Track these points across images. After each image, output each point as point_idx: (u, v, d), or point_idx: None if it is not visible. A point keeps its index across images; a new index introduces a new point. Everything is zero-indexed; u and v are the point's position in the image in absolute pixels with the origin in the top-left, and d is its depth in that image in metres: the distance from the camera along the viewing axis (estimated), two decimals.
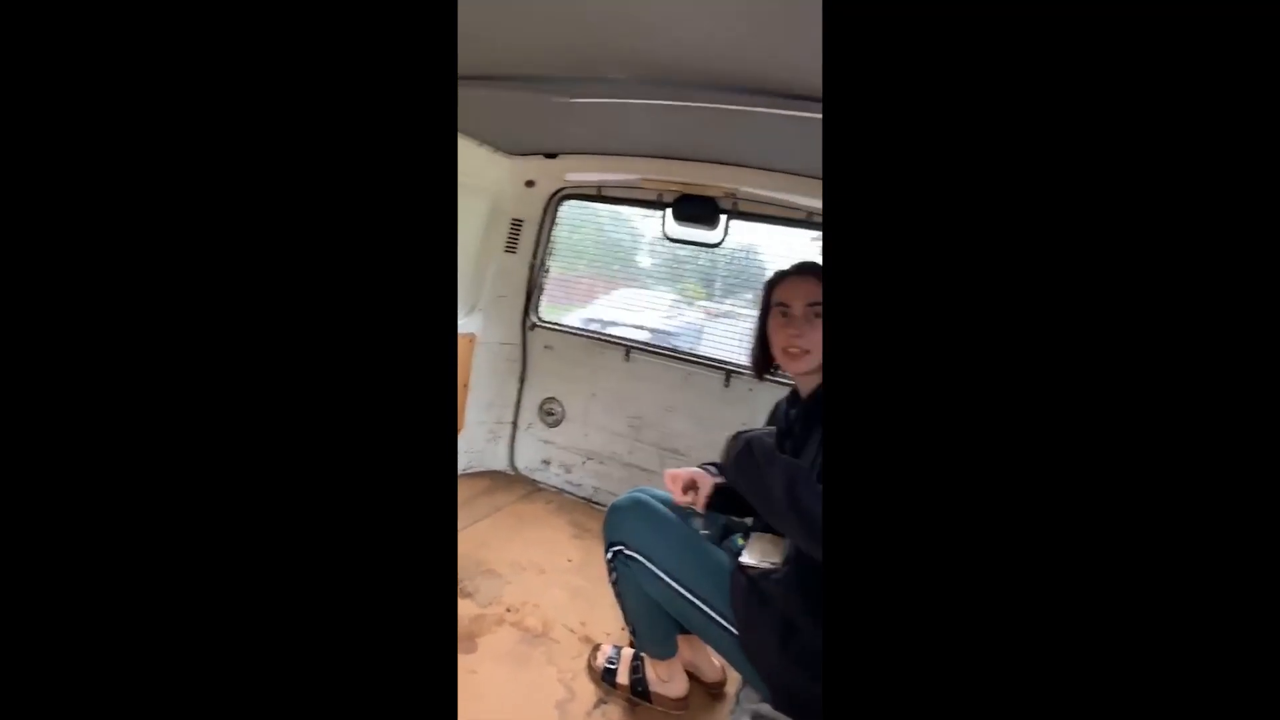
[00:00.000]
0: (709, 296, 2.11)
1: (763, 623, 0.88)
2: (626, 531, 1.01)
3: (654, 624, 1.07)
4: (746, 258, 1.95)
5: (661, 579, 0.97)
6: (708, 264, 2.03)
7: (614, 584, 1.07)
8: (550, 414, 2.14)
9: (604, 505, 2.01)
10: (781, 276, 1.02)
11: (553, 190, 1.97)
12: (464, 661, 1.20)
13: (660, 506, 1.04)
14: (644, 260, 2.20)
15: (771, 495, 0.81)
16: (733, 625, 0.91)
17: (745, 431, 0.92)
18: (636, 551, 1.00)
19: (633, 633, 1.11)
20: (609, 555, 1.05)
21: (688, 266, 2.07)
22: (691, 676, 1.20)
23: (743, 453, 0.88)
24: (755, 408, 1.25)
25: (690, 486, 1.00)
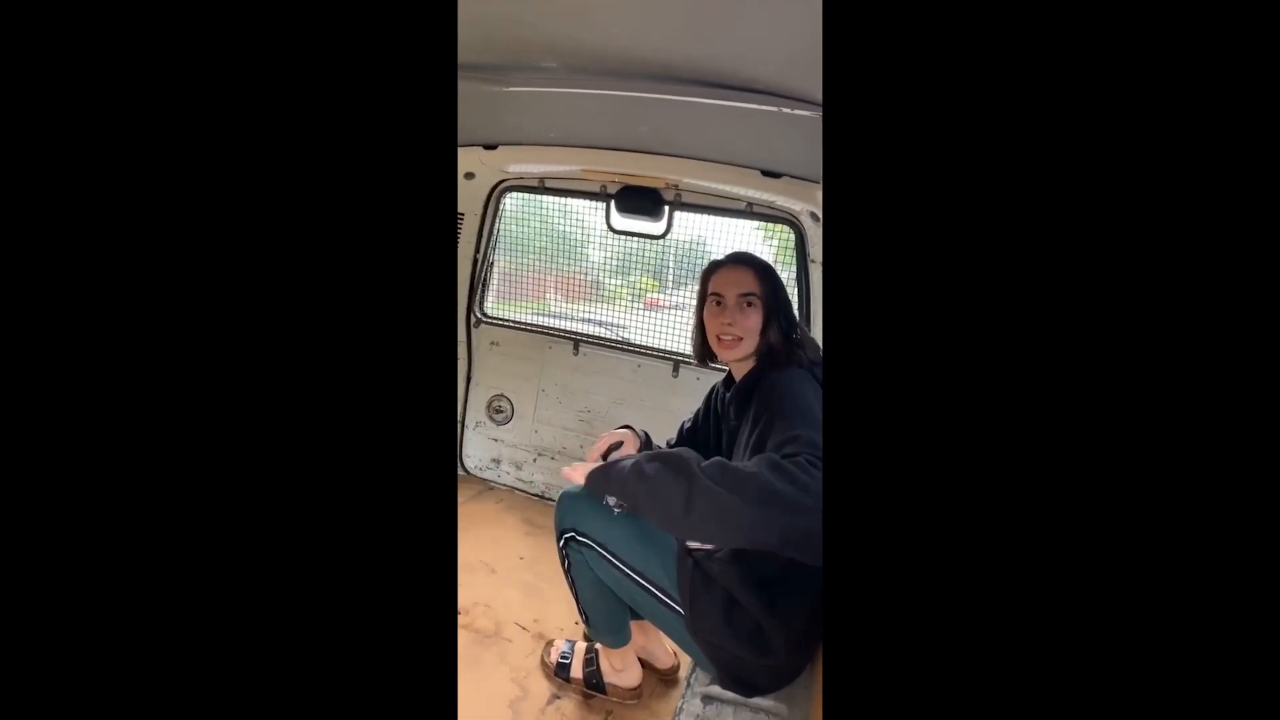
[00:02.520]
0: (659, 289, 2.11)
1: (707, 601, 0.89)
2: (577, 517, 1.01)
3: (607, 611, 1.07)
4: (695, 249, 1.97)
5: (612, 563, 0.98)
6: (657, 257, 2.03)
7: (566, 571, 1.06)
8: (499, 411, 2.11)
9: (554, 501, 2.01)
10: (715, 267, 1.06)
11: (494, 182, 1.92)
12: None
13: None
14: (593, 254, 2.18)
15: (672, 513, 0.76)
16: (680, 606, 0.92)
17: (616, 462, 0.87)
18: (587, 537, 1.00)
19: (586, 621, 1.11)
20: (560, 543, 1.04)
21: (636, 260, 2.07)
22: (645, 665, 1.21)
23: (627, 479, 0.82)
24: (703, 396, 1.27)
25: (616, 446, 1.08)
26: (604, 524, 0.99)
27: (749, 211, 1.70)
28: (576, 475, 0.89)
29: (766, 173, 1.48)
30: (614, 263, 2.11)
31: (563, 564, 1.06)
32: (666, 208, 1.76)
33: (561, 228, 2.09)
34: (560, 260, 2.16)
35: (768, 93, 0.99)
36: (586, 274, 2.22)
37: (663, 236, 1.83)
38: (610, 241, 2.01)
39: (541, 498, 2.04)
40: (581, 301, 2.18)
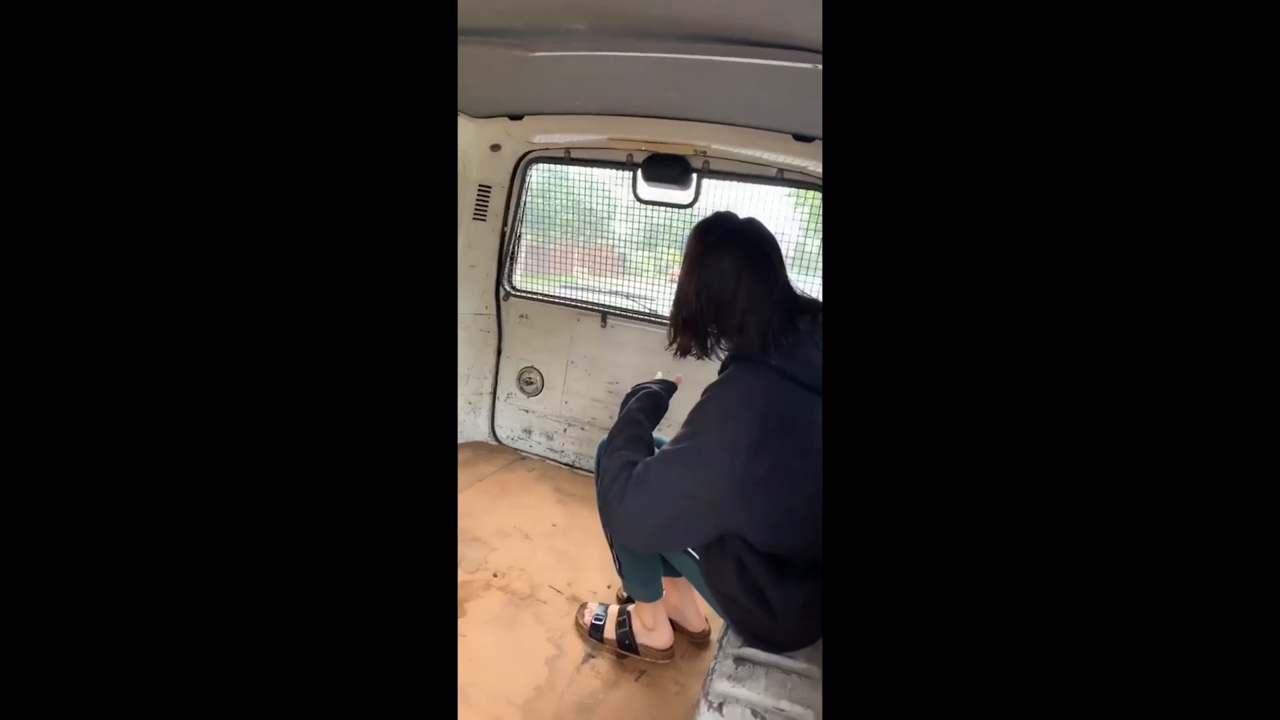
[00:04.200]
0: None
1: (720, 556, 0.91)
2: None
3: (640, 560, 1.10)
4: None
5: None
6: (683, 229, 2.00)
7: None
8: (529, 383, 2.14)
9: (587, 470, 2.05)
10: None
11: (520, 154, 1.91)
12: None
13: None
14: (618, 226, 2.16)
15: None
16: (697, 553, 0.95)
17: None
18: None
19: (620, 572, 1.14)
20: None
21: (661, 232, 2.04)
22: (677, 628, 1.24)
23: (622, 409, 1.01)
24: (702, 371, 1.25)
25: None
26: None
27: (779, 178, 1.66)
28: None
29: (799, 137, 1.44)
30: (638, 235, 2.09)
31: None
32: (694, 176, 1.73)
33: (585, 201, 2.07)
34: (585, 233, 2.15)
35: (803, 49, 0.96)
36: (614, 247, 2.21)
37: (691, 205, 1.80)
38: (636, 214, 2.00)
39: (572, 467, 2.08)
40: (606, 275, 2.17)
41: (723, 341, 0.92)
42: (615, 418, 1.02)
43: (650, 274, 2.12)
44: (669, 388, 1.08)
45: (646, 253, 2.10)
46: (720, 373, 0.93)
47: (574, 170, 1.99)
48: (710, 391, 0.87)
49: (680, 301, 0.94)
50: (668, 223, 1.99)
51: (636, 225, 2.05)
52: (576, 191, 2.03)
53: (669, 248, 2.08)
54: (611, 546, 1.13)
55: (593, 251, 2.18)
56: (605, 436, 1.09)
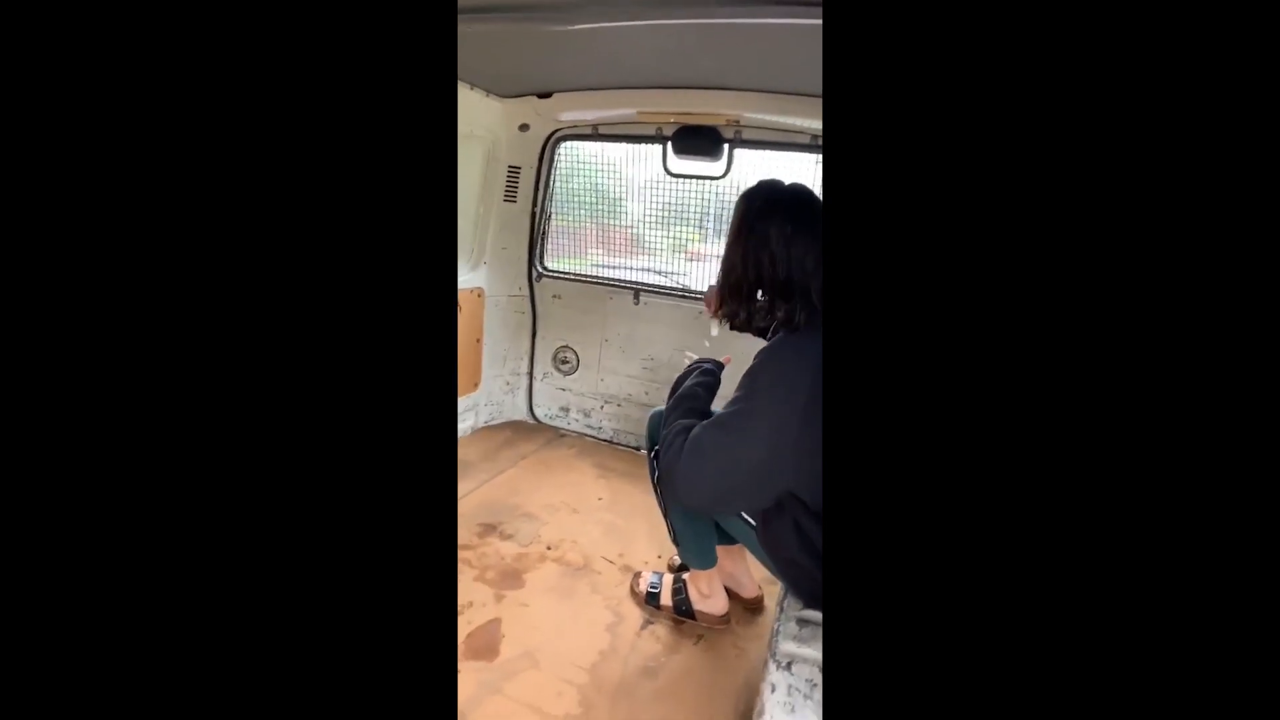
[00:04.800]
0: (700, 240, 2.07)
1: (778, 521, 0.92)
2: None
3: (695, 531, 1.13)
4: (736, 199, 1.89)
5: None
6: (699, 207, 1.96)
7: (656, 482, 1.12)
8: (565, 362, 2.16)
9: (626, 446, 2.08)
10: None
11: (548, 132, 1.90)
12: (514, 596, 1.26)
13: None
14: (633, 207, 2.13)
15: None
16: (754, 519, 0.97)
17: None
18: None
19: (675, 539, 1.17)
20: (651, 455, 1.10)
21: (676, 212, 2.00)
22: (731, 595, 1.27)
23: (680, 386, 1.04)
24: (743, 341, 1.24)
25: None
26: None
27: (814, 145, 1.64)
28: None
29: None
30: (654, 215, 2.06)
31: (652, 476, 1.12)
32: (726, 146, 1.71)
33: (600, 182, 2.05)
34: (602, 214, 2.14)
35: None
36: (632, 228, 2.19)
37: (723, 177, 1.78)
38: (651, 194, 1.98)
39: (611, 443, 2.11)
40: (624, 255, 2.16)
41: (772, 308, 0.92)
42: (667, 398, 1.04)
43: (667, 254, 2.11)
44: (719, 366, 1.09)
45: (662, 231, 2.08)
46: (769, 339, 0.94)
47: (585, 149, 1.96)
48: (761, 355, 0.89)
49: (727, 269, 0.95)
50: (683, 202, 1.97)
51: (651, 205, 2.03)
52: (589, 172, 2.02)
53: (685, 226, 2.06)
54: (666, 516, 1.16)
55: (609, 233, 2.17)
56: (656, 409, 1.12)
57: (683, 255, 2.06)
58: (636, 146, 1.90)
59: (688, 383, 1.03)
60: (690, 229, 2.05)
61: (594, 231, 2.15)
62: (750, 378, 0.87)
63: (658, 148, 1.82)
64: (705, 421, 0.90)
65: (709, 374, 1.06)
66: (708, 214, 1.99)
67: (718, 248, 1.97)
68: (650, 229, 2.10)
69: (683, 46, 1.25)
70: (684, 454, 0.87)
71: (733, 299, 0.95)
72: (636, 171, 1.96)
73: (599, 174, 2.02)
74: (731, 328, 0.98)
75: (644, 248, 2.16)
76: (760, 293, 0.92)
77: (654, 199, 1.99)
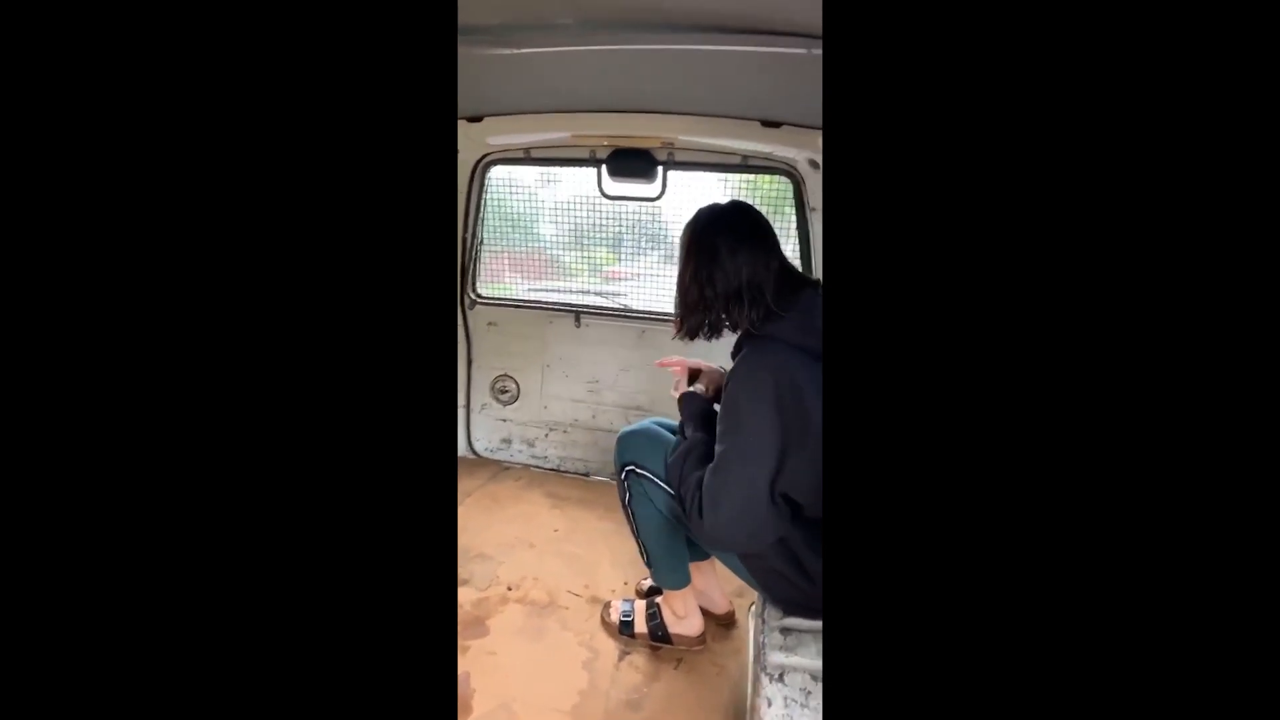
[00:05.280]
0: (616, 260, 2.09)
1: None
2: (635, 451, 1.08)
3: (667, 548, 1.12)
4: (647, 218, 1.94)
5: (668, 492, 1.03)
6: (612, 227, 1.99)
7: (627, 505, 1.12)
8: (504, 391, 2.08)
9: (575, 474, 2.02)
10: None
11: (477, 157, 1.85)
12: (480, 645, 1.18)
13: (665, 432, 1.12)
14: (545, 229, 2.11)
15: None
16: None
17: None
18: (644, 468, 1.06)
19: (647, 560, 1.16)
20: (621, 476, 1.10)
21: (585, 233, 2.01)
22: (703, 612, 1.25)
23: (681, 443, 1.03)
24: (711, 354, 1.26)
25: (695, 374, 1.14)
26: (659, 456, 1.05)
27: (744, 165, 1.71)
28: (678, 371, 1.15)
29: (766, 123, 1.48)
30: (564, 238, 2.06)
31: (623, 498, 1.11)
32: (660, 168, 1.74)
33: (507, 205, 2.02)
34: (514, 238, 2.10)
35: (783, 33, 0.98)
36: (545, 250, 2.17)
37: (658, 198, 1.81)
38: (560, 215, 1.98)
39: (558, 471, 2.05)
40: (542, 278, 2.15)
41: (729, 314, 0.95)
42: (670, 452, 1.04)
43: (585, 275, 2.11)
44: (709, 404, 1.09)
45: (576, 253, 2.08)
46: (733, 357, 0.96)
47: (495, 173, 1.94)
48: (730, 382, 0.91)
49: (681, 291, 0.98)
50: (590, 222, 1.98)
51: (561, 228, 2.03)
52: (500, 194, 1.99)
53: (598, 247, 2.07)
54: (637, 537, 1.14)
55: (523, 257, 2.14)
56: (626, 429, 1.13)
57: (599, 277, 2.08)
58: (548, 169, 1.90)
59: (692, 435, 1.02)
60: (604, 249, 2.07)
61: (505, 256, 2.11)
62: (728, 408, 0.90)
63: (572, 170, 1.82)
64: (708, 467, 0.91)
65: (705, 414, 1.06)
66: (625, 234, 2.02)
67: (636, 267, 2.00)
68: (564, 251, 2.09)
69: (619, 72, 1.26)
70: (703, 508, 0.90)
71: (693, 315, 0.97)
72: (547, 193, 1.95)
73: (506, 197, 1.99)
74: (692, 339, 1.00)
75: (559, 270, 2.14)
76: (715, 305, 0.95)
77: (562, 221, 2.00)
